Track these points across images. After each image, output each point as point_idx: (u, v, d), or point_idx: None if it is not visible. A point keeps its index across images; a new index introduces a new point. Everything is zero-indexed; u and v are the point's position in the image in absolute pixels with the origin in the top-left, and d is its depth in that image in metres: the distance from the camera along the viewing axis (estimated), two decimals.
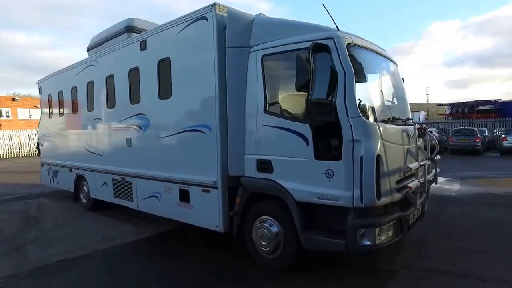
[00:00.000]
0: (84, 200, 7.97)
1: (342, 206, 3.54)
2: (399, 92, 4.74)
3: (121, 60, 6.30)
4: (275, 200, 4.11)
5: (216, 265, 4.43)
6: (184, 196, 5.03)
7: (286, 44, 3.96)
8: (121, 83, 6.28)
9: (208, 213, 4.68)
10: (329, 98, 3.61)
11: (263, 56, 4.15)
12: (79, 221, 6.89)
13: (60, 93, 8.52)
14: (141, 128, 5.83)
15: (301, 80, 3.48)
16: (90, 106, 7.28)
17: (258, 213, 4.27)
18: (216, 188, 4.52)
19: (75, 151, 8.00)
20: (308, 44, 3.63)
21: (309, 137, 3.69)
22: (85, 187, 7.87)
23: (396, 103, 4.60)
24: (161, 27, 5.41)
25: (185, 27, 4.88)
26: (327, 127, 3.61)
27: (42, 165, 9.83)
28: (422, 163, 4.28)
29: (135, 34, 6.38)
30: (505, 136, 17.62)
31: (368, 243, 3.45)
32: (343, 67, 3.54)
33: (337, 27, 3.91)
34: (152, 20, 7.37)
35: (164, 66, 5.27)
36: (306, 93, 3.65)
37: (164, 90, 5.29)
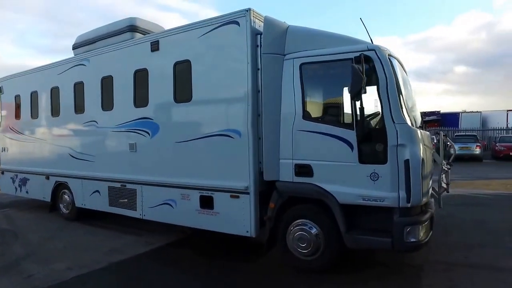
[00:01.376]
0: (64, 210, 7.25)
1: (385, 207, 3.77)
2: (414, 99, 5.15)
3: (124, 61, 5.92)
4: (313, 203, 4.22)
5: (241, 274, 4.37)
6: (206, 202, 4.87)
7: (328, 55, 4.12)
8: (123, 84, 5.91)
9: (236, 219, 4.61)
10: (374, 106, 3.85)
11: (301, 64, 4.25)
12: (69, 233, 6.25)
13: (34, 94, 7.69)
14: (148, 133, 5.53)
15: (355, 89, 3.65)
16: (78, 108, 6.70)
17: (294, 217, 4.32)
18: (248, 193, 4.48)
19: (54, 156, 7.26)
20: (351, 55, 3.85)
21: (354, 142, 3.87)
22: (66, 196, 7.17)
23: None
24: (178, 28, 5.23)
25: (210, 30, 4.79)
26: (373, 132, 3.84)
27: (2, 173, 8.71)
28: (445, 167, 4.69)
29: (139, 34, 6.07)
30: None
31: (413, 239, 3.72)
32: (386, 76, 3.80)
33: (371, 39, 4.21)
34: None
35: (181, 69, 5.10)
36: (349, 100, 3.86)
37: (182, 93, 5.11)
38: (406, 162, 3.67)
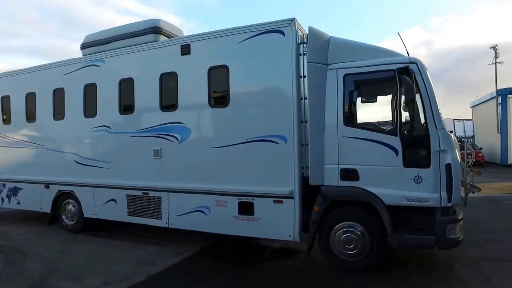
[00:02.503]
0: (69, 222, 6.78)
1: (428, 207, 4.10)
2: None
3: (148, 63, 5.78)
4: (357, 206, 4.44)
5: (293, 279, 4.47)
6: (245, 208, 4.89)
7: (371, 66, 4.39)
8: (146, 88, 5.75)
9: (279, 223, 4.69)
10: (418, 113, 4.17)
11: (345, 74, 4.49)
12: (81, 246, 5.88)
13: (30, 96, 7.14)
14: (176, 138, 5.43)
15: (408, 98, 3.96)
16: (89, 111, 6.35)
17: (339, 220, 4.50)
18: (292, 198, 4.60)
19: (57, 163, 6.77)
20: (393, 67, 4.18)
21: (399, 147, 4.17)
22: (71, 206, 6.72)
23: None
24: (212, 33, 5.24)
25: (250, 37, 4.88)
26: (418, 138, 4.16)
27: None
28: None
29: (163, 37, 5.96)
30: None
31: (454, 236, 4.08)
32: (425, 86, 4.15)
33: (407, 52, 4.57)
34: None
35: (217, 73, 5.11)
36: (393, 108, 4.18)
37: (218, 98, 5.13)
38: (448, 166, 4.02)
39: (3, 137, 7.61)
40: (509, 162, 20.05)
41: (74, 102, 6.57)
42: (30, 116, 7.19)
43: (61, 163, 6.71)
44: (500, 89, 21.88)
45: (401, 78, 4.10)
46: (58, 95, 6.77)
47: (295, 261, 5.09)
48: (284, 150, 4.63)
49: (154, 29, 5.92)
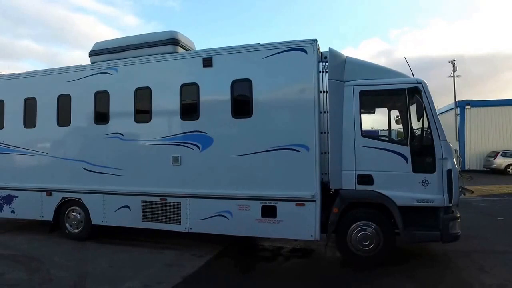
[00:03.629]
0: (73, 229, 6.64)
1: (432, 207, 4.79)
2: None
3: (167, 73, 5.97)
4: (372, 207, 5.02)
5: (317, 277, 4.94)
6: (268, 211, 5.27)
7: (384, 84, 5.05)
8: (165, 97, 5.95)
9: (300, 225, 5.13)
10: (424, 127, 4.86)
11: (361, 90, 5.09)
12: (97, 253, 5.83)
13: (30, 101, 6.92)
14: (198, 146, 5.67)
15: (419, 113, 4.63)
16: (99, 119, 6.36)
17: (355, 219, 5.05)
18: (314, 201, 5.08)
19: (60, 170, 6.62)
20: (403, 86, 4.88)
21: (408, 155, 4.84)
22: (76, 214, 6.61)
23: None
24: (235, 48, 5.61)
25: (274, 54, 5.32)
26: (425, 148, 4.84)
27: None
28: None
29: (180, 48, 6.18)
30: None
31: (455, 231, 4.80)
32: (429, 103, 4.86)
33: (412, 74, 5.29)
34: None
35: (240, 86, 5.48)
36: (404, 121, 4.85)
37: (241, 109, 5.47)
38: (449, 171, 4.75)
39: None
40: (466, 168, 22.36)
41: (82, 108, 6.53)
42: (29, 122, 6.95)
43: (66, 170, 6.58)
44: (458, 101, 24.57)
45: (410, 96, 4.80)
46: (64, 101, 6.66)
47: (313, 259, 5.55)
48: (307, 158, 5.10)
49: (173, 41, 6.12)
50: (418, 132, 4.94)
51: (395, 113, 5.56)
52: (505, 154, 21.10)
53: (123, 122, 6.20)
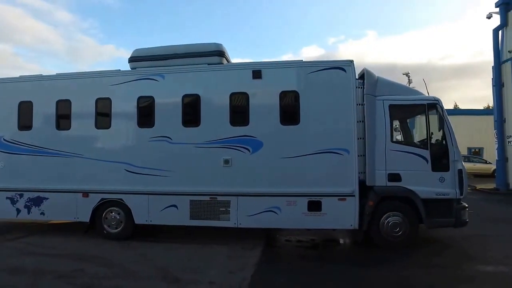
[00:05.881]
0: (111, 230, 6.79)
1: (448, 199, 6.00)
2: None
3: (216, 82, 6.51)
4: (399, 200, 6.10)
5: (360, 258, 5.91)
6: (314, 206, 6.09)
7: (409, 100, 6.22)
8: (214, 104, 6.48)
9: (342, 216, 6.05)
10: (442, 135, 6.07)
11: (390, 104, 6.17)
12: (154, 250, 6.11)
13: (63, 103, 6.93)
14: (248, 149, 6.30)
15: (441, 125, 5.83)
16: (143, 122, 6.65)
17: (386, 210, 6.09)
18: (353, 196, 6.03)
19: (99, 172, 6.74)
20: (424, 102, 6.09)
21: (428, 158, 6.02)
22: (115, 214, 6.78)
23: None
24: (283, 63, 6.51)
25: (317, 70, 6.20)
26: (442, 152, 6.05)
27: None
28: None
29: (225, 60, 6.76)
30: None
31: (465, 218, 6.06)
32: (444, 117, 6.09)
33: (427, 92, 6.52)
34: None
35: (288, 97, 6.26)
36: (426, 131, 6.02)
37: (289, 117, 6.23)
38: (460, 170, 6.02)
39: (18, 144, 7.09)
40: None
41: (123, 112, 6.76)
42: (62, 123, 6.96)
43: (106, 171, 6.73)
44: None
45: (429, 111, 6.00)
46: (103, 105, 6.82)
47: (346, 246, 6.49)
48: (347, 159, 6.04)
49: (220, 53, 6.69)
50: (437, 139, 6.14)
51: (416, 124, 6.75)
52: None
53: (170, 126, 6.56)
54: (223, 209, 6.36)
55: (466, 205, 6.19)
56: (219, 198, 6.38)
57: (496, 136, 15.11)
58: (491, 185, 15.81)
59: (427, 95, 6.44)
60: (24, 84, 7.21)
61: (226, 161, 6.33)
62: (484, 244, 6.40)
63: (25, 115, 7.09)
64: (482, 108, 44.80)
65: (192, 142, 6.48)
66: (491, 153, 19.60)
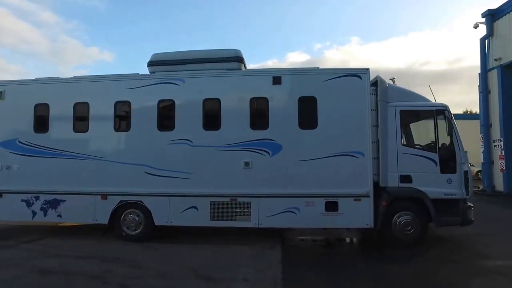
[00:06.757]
0: (130, 231, 6.87)
1: (455, 199, 6.43)
2: None
3: (236, 87, 6.74)
4: (410, 200, 6.49)
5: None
6: (331, 206, 6.39)
7: (419, 106, 6.63)
8: (234, 108, 6.67)
9: (358, 216, 6.37)
10: (450, 139, 6.49)
11: (401, 110, 6.56)
12: (176, 251, 6.25)
13: (81, 106, 6.99)
14: (268, 152, 6.54)
15: (451, 131, 6.25)
16: (163, 125, 6.79)
17: (398, 210, 6.45)
18: (368, 196, 6.37)
19: (118, 174, 6.81)
20: (433, 108, 6.51)
21: (437, 160, 6.43)
22: (134, 216, 6.86)
23: None
24: (302, 70, 6.80)
25: (334, 78, 6.52)
26: (449, 155, 6.47)
27: (1, 195, 7.09)
28: None
29: (243, 66, 7.00)
30: None
31: (471, 217, 6.49)
32: (452, 122, 6.53)
33: (435, 99, 6.95)
34: None
35: (306, 102, 6.53)
36: (434, 135, 6.44)
37: (307, 121, 6.51)
38: (466, 172, 6.46)
39: (33, 146, 7.06)
40: None
41: (143, 115, 6.86)
42: (80, 126, 7.00)
43: (125, 174, 6.81)
44: None
45: (438, 116, 6.42)
46: (122, 108, 6.91)
47: (358, 245, 6.82)
48: (362, 162, 6.38)
49: (239, 59, 6.93)
50: (443, 143, 6.57)
51: (424, 128, 7.14)
52: None
53: (191, 129, 6.71)
54: (244, 210, 6.56)
55: (472, 205, 6.64)
56: (240, 199, 6.58)
57: (482, 140, 15.94)
58: (475, 187, 16.63)
59: (434, 101, 6.88)
60: (40, 87, 7.21)
61: (247, 164, 6.54)
62: (488, 241, 6.86)
63: (41, 118, 7.08)
64: (461, 112, 46.71)
65: (213, 145, 6.66)
66: (473, 156, 20.55)
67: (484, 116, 15.65)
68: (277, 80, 6.60)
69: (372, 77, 6.65)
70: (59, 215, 6.98)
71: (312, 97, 6.52)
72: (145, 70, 7.28)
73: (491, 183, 15.42)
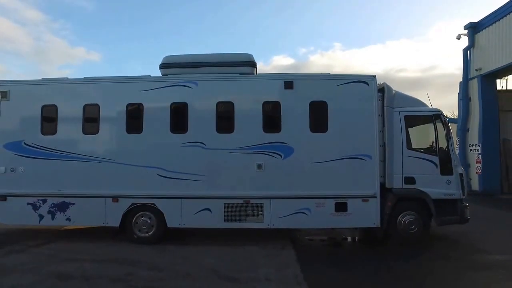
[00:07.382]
0: (142, 234, 6.87)
1: (453, 199, 6.89)
2: None
3: (248, 91, 6.92)
4: (413, 200, 6.90)
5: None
6: (340, 207, 6.69)
7: (420, 111, 7.07)
8: (246, 111, 6.83)
9: (365, 216, 6.71)
10: (446, 143, 6.96)
11: (405, 115, 6.97)
12: (191, 253, 6.30)
13: (90, 107, 6.93)
14: (280, 155, 6.75)
15: (448, 135, 6.71)
16: (176, 128, 6.84)
17: (401, 210, 6.84)
18: (375, 197, 6.72)
19: (130, 177, 6.78)
20: (431, 113, 6.97)
21: (437, 163, 6.88)
22: (146, 219, 6.87)
23: None
24: (313, 75, 7.11)
25: (344, 83, 6.84)
26: (447, 158, 6.93)
27: (5, 199, 6.89)
28: None
29: (255, 70, 7.18)
30: None
31: (467, 216, 6.97)
32: (446, 127, 7.01)
33: (431, 104, 7.42)
34: None
35: (317, 106, 6.79)
36: (434, 139, 6.89)
37: (318, 125, 6.77)
38: (461, 174, 6.95)
39: (40, 148, 6.92)
40: None
41: (155, 117, 6.89)
42: (89, 128, 6.93)
43: (136, 176, 6.80)
44: None
45: (435, 121, 6.89)
46: (134, 110, 6.91)
47: (365, 244, 7.16)
48: (370, 164, 6.72)
49: (252, 63, 7.11)
50: (444, 147, 7.03)
51: (423, 132, 7.58)
52: None
53: (204, 132, 6.80)
54: (257, 211, 6.73)
55: (467, 205, 7.14)
56: (253, 201, 6.74)
57: (458, 143, 16.85)
58: None
59: (430, 107, 7.35)
60: (47, 87, 7.07)
61: (259, 166, 6.72)
62: (482, 238, 7.38)
63: (48, 119, 6.95)
64: None
65: (226, 148, 6.79)
66: None
67: (463, 121, 16.58)
68: (289, 84, 6.82)
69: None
70: (68, 219, 6.87)
71: (323, 102, 6.80)
72: (132, 70, 7.37)
73: (468, 184, 16.38)
